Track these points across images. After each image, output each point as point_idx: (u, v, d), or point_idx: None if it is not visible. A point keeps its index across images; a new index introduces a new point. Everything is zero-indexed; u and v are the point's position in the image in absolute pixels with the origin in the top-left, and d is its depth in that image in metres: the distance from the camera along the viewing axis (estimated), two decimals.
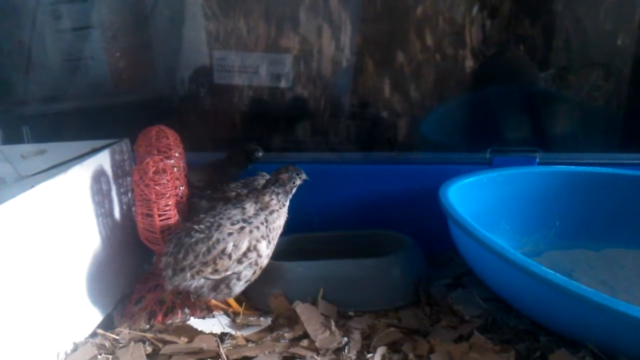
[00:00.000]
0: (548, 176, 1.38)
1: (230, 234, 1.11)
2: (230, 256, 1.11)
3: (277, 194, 1.16)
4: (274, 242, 1.18)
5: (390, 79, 1.60)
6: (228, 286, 1.14)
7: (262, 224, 1.14)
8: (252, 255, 1.13)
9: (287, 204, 1.18)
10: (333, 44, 1.60)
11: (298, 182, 1.19)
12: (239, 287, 1.16)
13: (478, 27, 1.52)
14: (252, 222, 1.13)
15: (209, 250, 1.10)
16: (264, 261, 1.16)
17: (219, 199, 1.29)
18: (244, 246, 1.12)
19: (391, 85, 1.60)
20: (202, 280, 1.12)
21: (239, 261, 1.12)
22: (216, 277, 1.12)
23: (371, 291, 1.23)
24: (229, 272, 1.12)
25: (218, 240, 1.11)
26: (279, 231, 1.19)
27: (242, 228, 1.12)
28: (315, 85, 1.63)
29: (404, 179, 1.45)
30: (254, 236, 1.13)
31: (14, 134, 1.59)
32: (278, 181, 1.17)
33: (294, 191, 1.18)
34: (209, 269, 1.11)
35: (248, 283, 1.17)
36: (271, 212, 1.15)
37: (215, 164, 1.41)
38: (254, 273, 1.15)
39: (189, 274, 1.11)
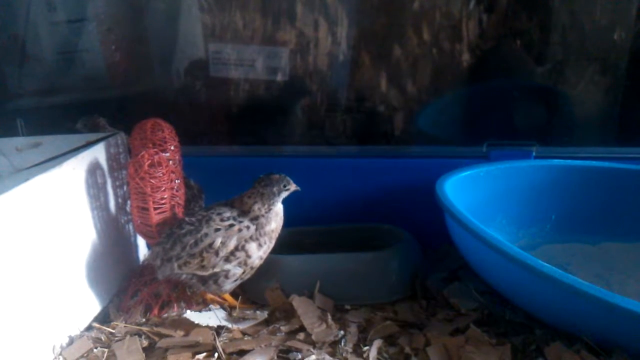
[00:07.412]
0: (544, 170, 1.38)
1: (217, 230, 1.11)
2: (217, 253, 1.11)
3: (261, 197, 1.13)
4: (268, 245, 1.15)
5: (387, 72, 1.59)
6: (216, 282, 1.14)
7: (253, 224, 1.13)
8: (241, 254, 1.12)
9: (275, 208, 1.15)
10: (329, 37, 1.59)
11: (284, 193, 1.14)
12: (228, 285, 1.15)
13: (475, 21, 1.51)
14: (242, 222, 1.13)
15: (196, 243, 1.10)
16: (255, 262, 1.15)
17: None
18: (231, 244, 1.11)
19: (388, 79, 1.59)
20: (191, 275, 1.13)
21: (227, 259, 1.12)
22: (204, 273, 1.12)
23: (368, 285, 1.23)
24: (216, 269, 1.12)
25: (206, 234, 1.11)
26: (275, 234, 1.16)
27: (231, 225, 1.12)
28: (311, 78, 1.63)
29: (400, 173, 1.45)
30: (243, 235, 1.12)
31: (9, 126, 1.58)
32: (263, 184, 1.13)
33: (279, 198, 1.14)
34: (196, 262, 1.11)
35: (238, 281, 1.16)
36: (256, 217, 1.13)
37: None
38: (243, 272, 1.15)
39: (175, 265, 1.11)
